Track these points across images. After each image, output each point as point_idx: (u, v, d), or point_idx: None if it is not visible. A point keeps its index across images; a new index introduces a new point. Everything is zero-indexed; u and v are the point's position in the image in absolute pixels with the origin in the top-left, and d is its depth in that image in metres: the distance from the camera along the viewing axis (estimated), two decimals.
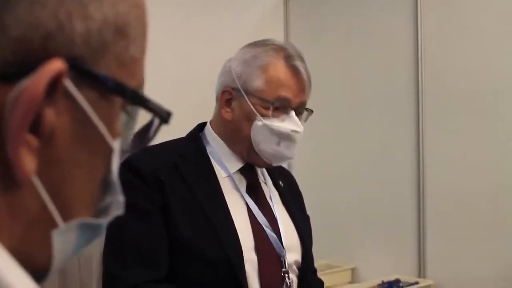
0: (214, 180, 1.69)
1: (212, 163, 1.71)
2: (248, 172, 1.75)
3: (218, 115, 1.74)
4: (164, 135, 1.81)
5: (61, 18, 0.47)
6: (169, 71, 3.21)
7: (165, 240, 1.58)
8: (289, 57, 1.69)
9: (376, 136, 3.53)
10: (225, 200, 1.66)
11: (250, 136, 1.66)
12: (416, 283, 3.21)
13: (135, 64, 0.55)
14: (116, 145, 0.54)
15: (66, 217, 0.51)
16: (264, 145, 1.66)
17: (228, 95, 1.70)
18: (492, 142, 3.04)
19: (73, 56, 0.48)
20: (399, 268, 3.38)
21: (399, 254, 3.43)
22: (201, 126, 1.79)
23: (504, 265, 2.90)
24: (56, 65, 0.46)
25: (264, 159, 1.68)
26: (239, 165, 1.73)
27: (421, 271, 3.32)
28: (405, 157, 3.38)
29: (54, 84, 0.47)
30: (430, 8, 3.30)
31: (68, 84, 0.48)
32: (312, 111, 1.77)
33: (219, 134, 1.74)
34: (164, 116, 0.55)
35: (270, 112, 1.64)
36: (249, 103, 1.66)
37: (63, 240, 0.52)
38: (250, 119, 1.66)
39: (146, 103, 0.54)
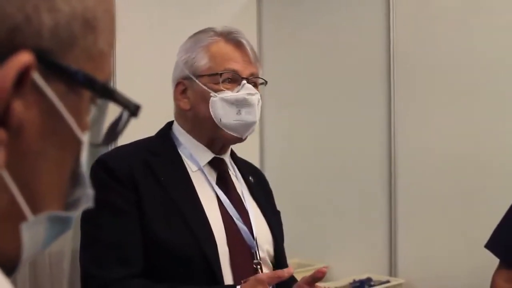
0: (185, 175, 1.70)
1: (183, 159, 1.72)
2: (218, 164, 1.76)
3: (177, 109, 1.77)
4: (146, 133, 1.81)
5: (28, 11, 0.47)
6: (145, 70, 3.20)
7: (140, 237, 1.59)
8: (229, 33, 1.73)
9: (348, 136, 3.55)
10: (197, 195, 1.67)
11: (211, 116, 1.68)
12: (387, 281, 3.23)
13: (103, 57, 0.54)
14: (85, 138, 0.54)
15: (35, 210, 0.51)
16: (226, 118, 1.67)
17: (181, 86, 1.73)
18: (465, 135, 3.07)
19: (41, 48, 0.48)
20: (371, 267, 3.40)
21: (371, 253, 3.45)
22: (170, 124, 1.81)
23: (474, 263, 2.93)
24: (24, 58, 0.46)
25: (232, 134, 1.70)
26: (209, 157, 1.74)
27: (392, 270, 3.34)
28: (377, 156, 3.41)
29: (22, 77, 0.46)
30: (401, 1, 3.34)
31: (36, 77, 0.48)
32: (266, 81, 1.79)
33: (184, 128, 1.76)
34: (132, 109, 0.55)
35: (221, 85, 1.67)
36: (200, 84, 1.69)
37: (32, 233, 0.51)
38: (205, 98, 1.68)
39: (114, 96, 0.54)
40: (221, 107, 1.67)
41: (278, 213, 1.94)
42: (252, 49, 1.74)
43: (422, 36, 3.26)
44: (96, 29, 0.53)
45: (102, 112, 0.57)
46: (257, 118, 1.70)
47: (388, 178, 3.36)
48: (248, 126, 1.70)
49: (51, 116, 0.50)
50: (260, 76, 1.76)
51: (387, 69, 3.37)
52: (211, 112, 1.68)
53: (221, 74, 1.68)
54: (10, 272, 0.51)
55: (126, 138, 1.82)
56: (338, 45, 3.60)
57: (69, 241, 3.06)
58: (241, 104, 1.67)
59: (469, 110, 3.07)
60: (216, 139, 1.73)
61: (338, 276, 3.51)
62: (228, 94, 1.67)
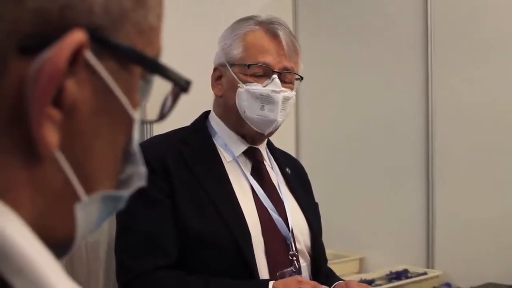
0: (219, 165, 1.69)
1: (218, 149, 1.72)
2: (253, 154, 1.75)
3: (214, 97, 1.77)
4: (183, 123, 1.80)
5: None
6: (176, 60, 3.20)
7: (174, 227, 1.59)
8: (269, 24, 1.70)
9: (384, 125, 3.51)
10: (231, 185, 1.67)
11: (236, 106, 1.67)
12: (425, 273, 3.20)
13: (153, 32, 0.54)
14: (136, 115, 0.53)
15: (89, 190, 0.51)
16: (249, 111, 1.66)
17: (218, 73, 1.73)
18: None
19: (93, 25, 0.47)
20: (408, 258, 3.37)
21: (408, 244, 3.41)
22: (206, 114, 1.80)
23: None
24: (78, 36, 0.45)
25: (254, 128, 1.68)
26: (243, 147, 1.73)
27: (429, 262, 3.30)
28: (414, 145, 3.36)
29: (76, 55, 0.46)
30: None
31: (89, 55, 0.47)
32: (302, 77, 1.75)
33: (218, 115, 1.75)
34: (183, 85, 0.54)
35: (249, 77, 1.66)
36: (232, 72, 1.68)
37: (86, 213, 0.51)
38: (234, 88, 1.68)
39: (166, 72, 0.53)
40: (246, 99, 1.66)
41: (316, 205, 1.92)
42: (291, 42, 1.70)
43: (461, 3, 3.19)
44: (146, 3, 0.52)
45: (150, 88, 0.56)
46: (278, 116, 1.66)
47: (425, 168, 3.32)
48: (269, 123, 1.67)
49: (103, 95, 0.49)
50: (295, 71, 1.72)
51: (425, 55, 3.31)
52: (237, 103, 1.67)
53: (249, 66, 1.66)
54: (62, 253, 0.51)
55: (163, 127, 1.82)
56: (374, 30, 3.56)
57: (105, 231, 3.09)
58: (265, 99, 1.65)
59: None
60: (242, 130, 1.71)
61: (374, 267, 3.49)
62: (255, 87, 1.65)
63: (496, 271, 2.98)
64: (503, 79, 3.00)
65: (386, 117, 3.50)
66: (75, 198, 0.50)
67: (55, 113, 0.46)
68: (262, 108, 1.65)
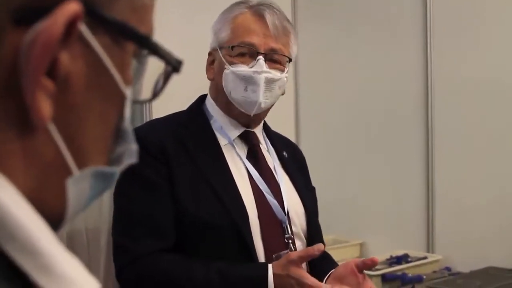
0: (216, 148, 1.70)
1: (214, 132, 1.72)
2: (249, 138, 1.75)
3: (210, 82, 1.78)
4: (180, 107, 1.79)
5: None
6: (175, 48, 3.17)
7: (171, 210, 1.59)
8: (257, 6, 1.71)
9: (384, 108, 3.50)
10: (228, 168, 1.67)
11: (223, 88, 1.68)
12: (425, 257, 3.20)
13: (146, 11, 0.54)
14: (128, 92, 0.54)
15: (80, 165, 0.51)
16: (234, 92, 1.67)
17: (211, 57, 1.75)
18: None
19: None
20: (408, 243, 3.37)
21: (408, 229, 3.41)
22: (202, 98, 1.81)
23: None
24: (73, 7, 0.45)
25: (240, 109, 1.69)
26: (239, 131, 1.73)
27: (429, 246, 3.30)
28: (414, 128, 3.35)
29: (70, 27, 0.46)
30: None
31: (83, 28, 0.47)
32: (290, 59, 1.74)
33: (213, 99, 1.77)
34: (175, 64, 0.54)
35: (234, 58, 1.66)
36: (221, 55, 1.69)
37: (77, 188, 0.51)
38: (222, 70, 1.69)
39: (158, 50, 0.53)
40: (231, 80, 1.67)
41: (313, 189, 1.93)
42: (279, 23, 1.69)
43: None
44: None
45: (143, 67, 0.56)
46: (260, 97, 1.66)
47: (425, 152, 3.31)
48: (252, 104, 1.67)
49: (96, 69, 0.49)
50: (284, 53, 1.71)
51: (424, 51, 3.30)
52: (223, 84, 1.68)
53: (232, 47, 1.67)
54: (54, 229, 0.51)
55: (163, 112, 1.82)
56: (372, 13, 3.54)
57: (106, 218, 3.08)
58: (248, 80, 1.65)
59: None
60: (231, 113, 1.72)
61: (374, 252, 3.49)
62: (239, 68, 1.66)
63: (496, 255, 2.99)
64: (504, 56, 2.97)
65: (386, 101, 3.49)
66: (67, 172, 0.50)
67: (49, 84, 0.46)
68: (246, 89, 1.66)
